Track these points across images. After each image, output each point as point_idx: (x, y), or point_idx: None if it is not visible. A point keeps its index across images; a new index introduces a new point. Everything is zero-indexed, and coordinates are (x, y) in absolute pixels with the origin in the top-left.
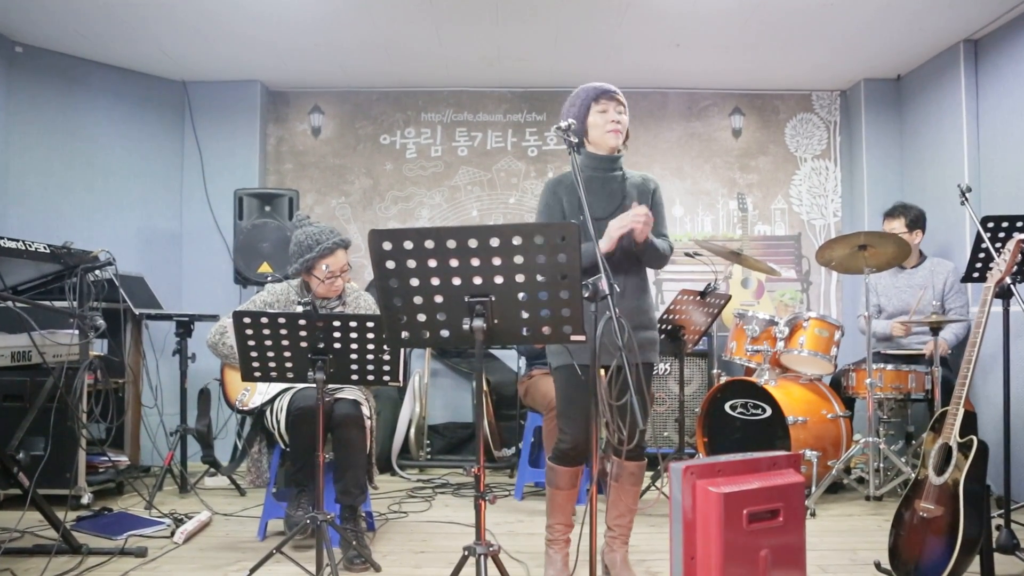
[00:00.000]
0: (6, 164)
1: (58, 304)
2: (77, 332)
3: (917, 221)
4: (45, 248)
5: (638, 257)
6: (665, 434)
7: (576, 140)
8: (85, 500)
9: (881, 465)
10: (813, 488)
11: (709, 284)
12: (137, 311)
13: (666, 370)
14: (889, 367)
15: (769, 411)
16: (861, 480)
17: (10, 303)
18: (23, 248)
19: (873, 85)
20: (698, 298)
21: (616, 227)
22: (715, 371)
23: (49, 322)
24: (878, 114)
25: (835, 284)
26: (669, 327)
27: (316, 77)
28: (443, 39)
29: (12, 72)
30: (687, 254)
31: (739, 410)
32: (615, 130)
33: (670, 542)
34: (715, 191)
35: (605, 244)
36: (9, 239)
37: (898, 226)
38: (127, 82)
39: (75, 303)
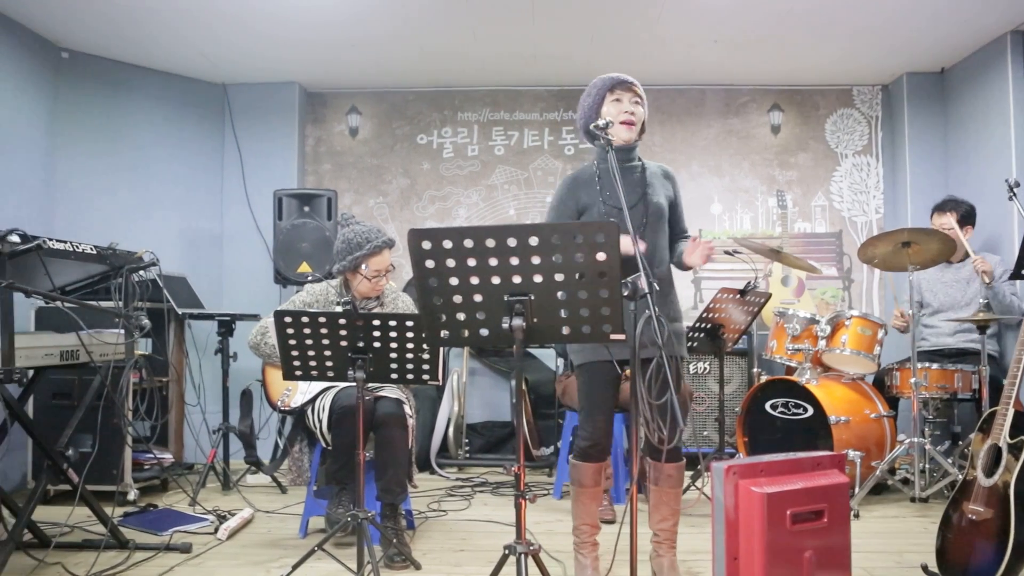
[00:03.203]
0: (53, 167)
1: (104, 304)
2: (123, 331)
3: (968, 216)
4: (92, 249)
5: (667, 241)
6: (705, 433)
7: (606, 137)
8: (131, 496)
9: (927, 466)
10: (856, 489)
11: (749, 282)
12: (180, 311)
13: (705, 369)
14: (935, 366)
15: (811, 410)
16: (906, 481)
17: (59, 303)
18: (71, 249)
19: (916, 79)
20: (738, 296)
21: (696, 261)
22: (755, 370)
23: (96, 322)
24: (921, 108)
25: (877, 281)
26: (709, 326)
27: (353, 78)
28: (479, 38)
29: (59, 77)
30: (726, 252)
31: (780, 409)
32: (627, 121)
33: (712, 542)
34: (754, 188)
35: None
36: (57, 240)
37: (949, 221)
38: (169, 86)
39: (121, 303)
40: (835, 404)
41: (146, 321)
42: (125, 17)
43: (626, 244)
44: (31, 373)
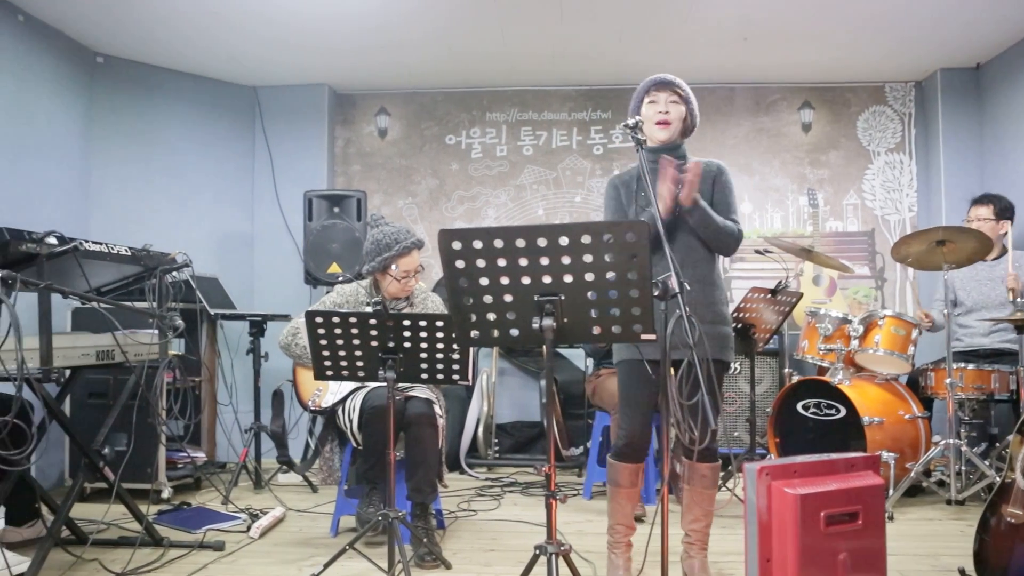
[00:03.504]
0: (88, 170)
1: (139, 305)
2: (157, 332)
3: (1006, 211)
4: (126, 251)
5: (702, 239)
6: (736, 434)
7: (643, 137)
8: (165, 495)
9: (963, 468)
10: (890, 491)
11: (780, 282)
12: (212, 311)
13: (736, 369)
14: (970, 366)
15: (843, 411)
16: (941, 483)
17: (95, 304)
18: (106, 251)
19: (950, 75)
20: (768, 296)
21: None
22: (786, 370)
23: (131, 322)
24: (956, 105)
25: (911, 281)
26: (739, 325)
27: (382, 79)
28: (507, 38)
29: (94, 81)
30: (757, 251)
31: (812, 410)
32: (661, 122)
33: (745, 544)
34: (784, 187)
35: (661, 208)
36: (93, 242)
37: (985, 213)
38: (201, 88)
39: (155, 304)
40: (868, 405)
41: (180, 321)
42: (158, 21)
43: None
44: (68, 373)
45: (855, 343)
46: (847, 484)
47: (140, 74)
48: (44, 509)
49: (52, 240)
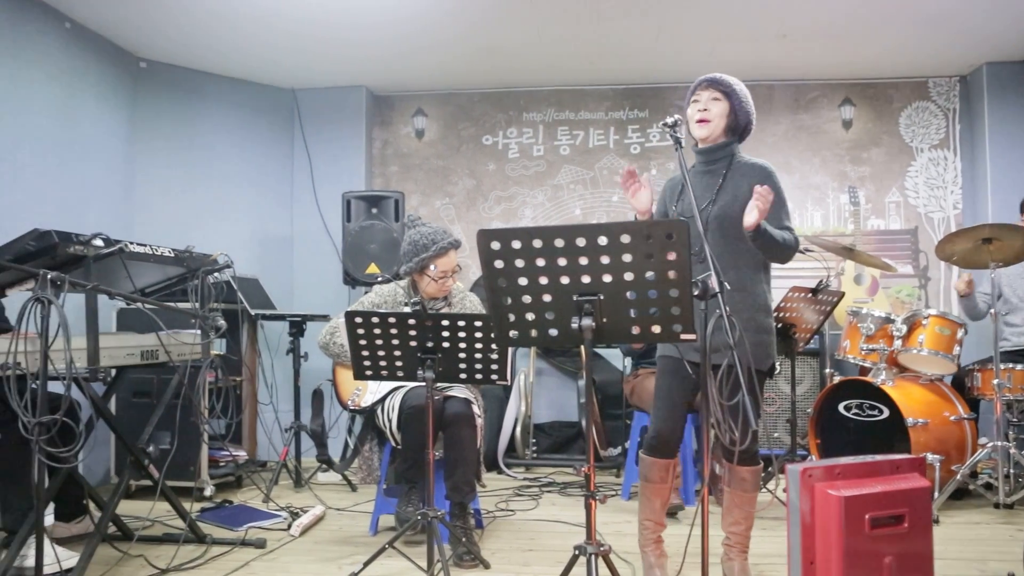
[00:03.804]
0: (132, 173)
1: (182, 305)
2: (200, 332)
3: None
4: (170, 252)
5: (749, 250)
6: (776, 435)
7: (682, 136)
8: (208, 492)
9: (1011, 471)
10: (936, 494)
11: (821, 281)
12: (253, 312)
13: (776, 369)
14: (1019, 367)
15: (886, 412)
16: (989, 486)
17: (140, 304)
18: (150, 252)
19: (997, 69)
20: (809, 295)
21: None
22: (827, 370)
23: (174, 322)
24: (1003, 99)
25: (956, 279)
26: (779, 325)
27: (419, 80)
28: (544, 38)
29: (137, 86)
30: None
31: (854, 411)
32: (700, 120)
33: (787, 546)
34: (825, 185)
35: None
36: (138, 244)
37: None
38: (241, 92)
39: (197, 304)
40: (912, 406)
41: (222, 322)
42: (199, 26)
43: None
44: (114, 372)
45: (898, 343)
46: (892, 486)
47: (182, 78)
48: (92, 506)
49: (99, 242)
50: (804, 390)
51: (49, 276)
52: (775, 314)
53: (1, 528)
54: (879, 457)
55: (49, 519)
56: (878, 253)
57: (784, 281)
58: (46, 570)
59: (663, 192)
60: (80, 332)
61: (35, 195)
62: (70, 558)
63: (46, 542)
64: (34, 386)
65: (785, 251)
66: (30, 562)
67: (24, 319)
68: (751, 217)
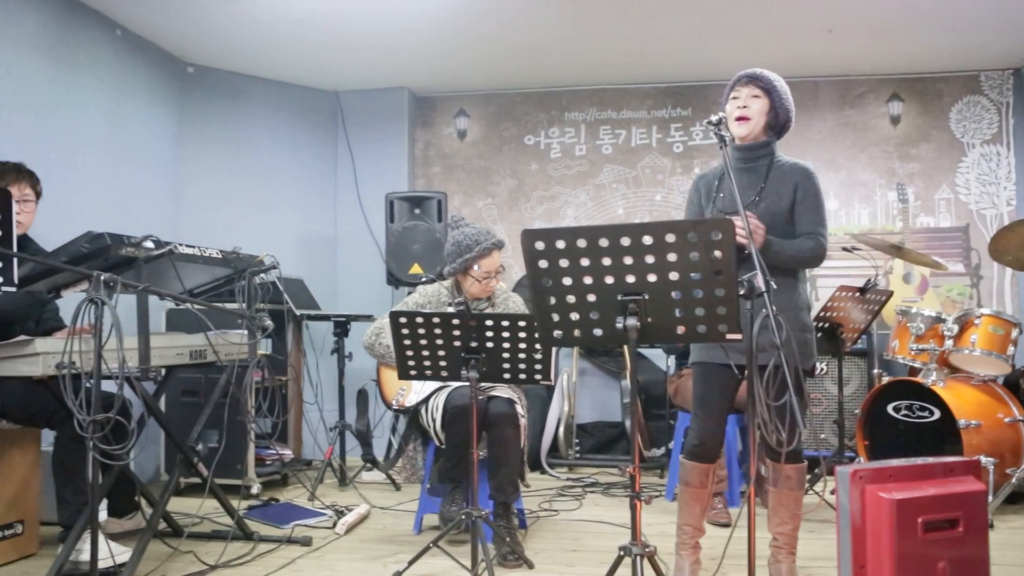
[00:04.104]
0: (180, 175)
1: (229, 306)
2: (246, 332)
3: None
4: (217, 253)
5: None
6: (822, 436)
7: (726, 134)
8: (254, 490)
9: None
10: (990, 498)
11: (869, 280)
12: (298, 312)
13: (823, 370)
14: None
15: (937, 414)
16: None
17: (189, 305)
18: (198, 254)
19: None
20: (857, 294)
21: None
22: (876, 371)
23: (221, 323)
24: None
25: (1010, 278)
26: (827, 325)
27: (461, 81)
28: (586, 37)
29: (184, 90)
30: (844, 249)
31: (903, 412)
32: (740, 117)
33: (837, 550)
34: (872, 182)
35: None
36: (187, 245)
37: None
38: (285, 94)
39: (244, 305)
40: (964, 407)
41: (269, 322)
42: (244, 31)
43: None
44: (164, 371)
45: (949, 343)
46: (946, 489)
47: (228, 82)
48: (144, 503)
49: (149, 244)
50: (851, 391)
51: (103, 278)
52: (822, 314)
53: (57, 523)
54: (931, 459)
55: (102, 515)
56: (928, 251)
57: (831, 280)
58: (100, 564)
59: (695, 189)
60: (131, 332)
61: (87, 197)
62: (123, 553)
63: (100, 537)
64: (88, 385)
65: (800, 262)
66: (85, 556)
67: (78, 320)
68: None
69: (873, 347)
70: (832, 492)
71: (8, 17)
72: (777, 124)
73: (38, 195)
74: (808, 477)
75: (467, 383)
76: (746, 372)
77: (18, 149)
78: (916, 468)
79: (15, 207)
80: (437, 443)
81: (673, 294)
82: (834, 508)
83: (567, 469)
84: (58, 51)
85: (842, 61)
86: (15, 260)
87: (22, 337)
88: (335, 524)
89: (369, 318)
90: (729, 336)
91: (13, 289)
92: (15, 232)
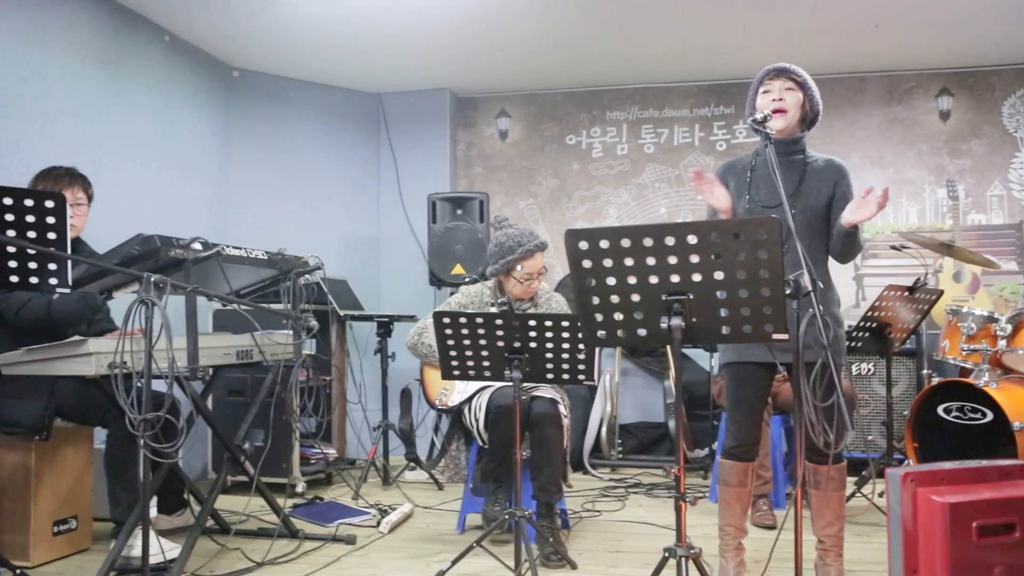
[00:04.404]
0: (225, 177)
1: (275, 306)
2: (292, 332)
3: None
4: (263, 255)
5: (826, 246)
6: (870, 438)
7: (764, 131)
8: (299, 489)
9: None
10: None
11: (918, 279)
12: (342, 312)
13: (870, 370)
14: None
15: (990, 416)
16: None
17: (236, 306)
18: (245, 255)
19: None
20: (905, 294)
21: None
22: (925, 371)
23: (267, 323)
24: None
25: None
26: (874, 325)
27: (502, 82)
28: (627, 36)
29: (230, 94)
30: (893, 247)
31: (954, 414)
32: (777, 110)
33: (888, 554)
34: (920, 179)
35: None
36: (233, 247)
37: None
38: (328, 97)
39: (289, 305)
40: (1019, 409)
41: (314, 322)
42: (288, 35)
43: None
44: (211, 371)
45: (1002, 343)
46: (1001, 493)
47: (272, 86)
48: (192, 500)
49: (197, 246)
50: (900, 392)
51: (153, 279)
52: (869, 313)
53: (109, 519)
54: (985, 462)
55: (152, 512)
56: (979, 249)
57: (879, 279)
58: (151, 560)
59: (721, 177)
60: (179, 333)
61: (137, 200)
62: (172, 549)
63: (151, 533)
64: (139, 384)
65: (856, 252)
66: (136, 552)
67: (130, 319)
68: (865, 213)
69: (922, 347)
70: (880, 495)
71: (63, 25)
72: (807, 118)
73: (90, 198)
74: (855, 480)
75: (510, 383)
76: (791, 371)
77: (71, 153)
78: (970, 471)
79: (69, 210)
80: (480, 443)
81: (718, 294)
82: (883, 511)
83: (609, 470)
84: (109, 57)
85: (889, 56)
86: (69, 262)
87: (76, 337)
88: (379, 523)
89: (412, 318)
90: (775, 336)
91: (68, 290)
92: (69, 235)
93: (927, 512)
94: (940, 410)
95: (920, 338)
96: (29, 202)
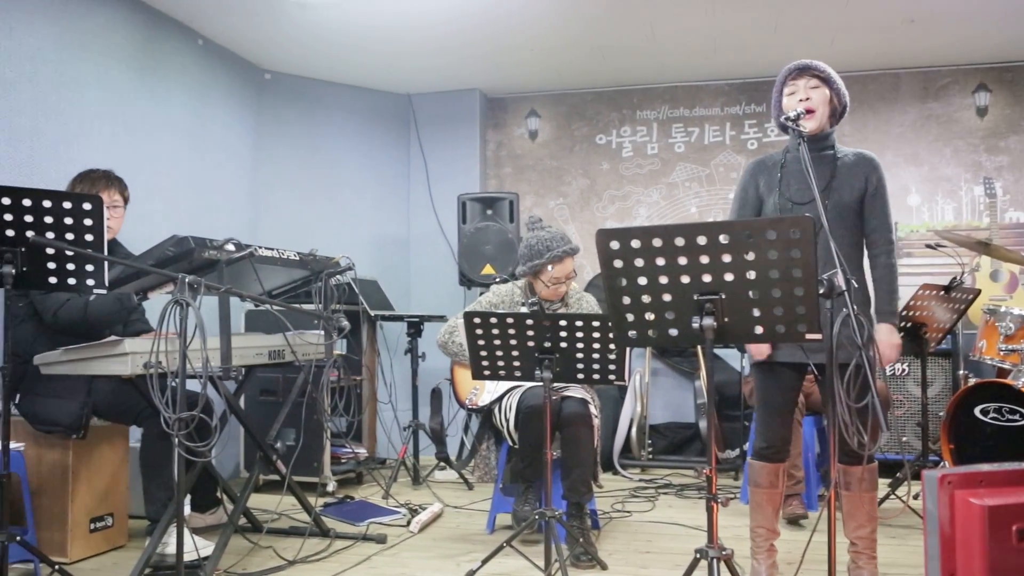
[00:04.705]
0: (258, 179)
1: (306, 307)
2: (323, 332)
3: None
4: (295, 255)
5: (859, 242)
6: (904, 439)
7: (797, 129)
8: (330, 488)
9: None
10: None
11: (954, 278)
12: (372, 313)
13: (904, 371)
14: None
15: None
16: None
17: (269, 306)
18: (277, 256)
19: None
20: (941, 293)
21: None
22: (961, 372)
23: (299, 323)
24: None
25: None
26: (909, 324)
27: (532, 81)
28: (657, 35)
29: (262, 96)
30: (928, 246)
31: (992, 415)
32: (807, 110)
33: (925, 557)
34: (956, 177)
35: None
36: (266, 248)
37: None
38: (359, 98)
39: (321, 306)
40: None
41: (346, 323)
42: (319, 38)
43: None
44: (244, 371)
45: None
46: None
47: (303, 88)
48: (225, 498)
49: (231, 247)
50: (935, 392)
51: (187, 280)
52: (904, 313)
53: (144, 516)
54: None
55: (186, 509)
56: (1017, 247)
57: (914, 278)
58: (185, 557)
59: (750, 177)
60: (213, 333)
61: (171, 202)
62: (206, 547)
63: (185, 531)
64: (173, 384)
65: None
66: (171, 549)
67: (164, 321)
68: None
69: (958, 347)
70: (916, 497)
71: (99, 31)
72: (836, 113)
73: (126, 200)
74: (889, 481)
75: (540, 383)
76: (825, 372)
77: (107, 156)
78: (1009, 473)
79: (105, 212)
80: (510, 443)
81: (751, 293)
82: (918, 514)
83: (640, 470)
84: (144, 61)
85: (924, 52)
86: (106, 264)
87: (113, 338)
88: (409, 522)
89: (442, 318)
90: (809, 336)
91: (104, 291)
92: (106, 237)
93: (965, 515)
94: (977, 411)
95: (956, 338)
96: (67, 205)
